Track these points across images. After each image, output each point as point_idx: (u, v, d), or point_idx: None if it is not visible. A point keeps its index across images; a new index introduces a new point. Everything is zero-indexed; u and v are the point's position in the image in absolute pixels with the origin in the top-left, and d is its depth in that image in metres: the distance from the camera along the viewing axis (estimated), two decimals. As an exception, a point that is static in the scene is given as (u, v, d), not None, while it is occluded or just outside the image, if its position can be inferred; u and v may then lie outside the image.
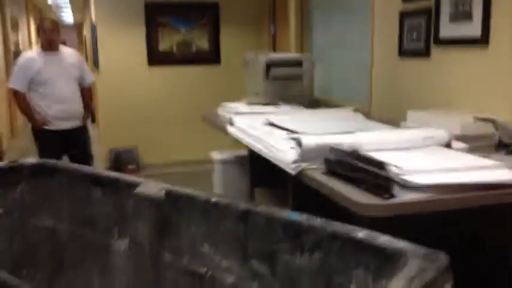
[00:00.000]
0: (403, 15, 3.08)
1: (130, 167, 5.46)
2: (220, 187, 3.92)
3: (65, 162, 1.44)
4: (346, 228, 0.98)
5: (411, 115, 2.54)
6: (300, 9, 4.84)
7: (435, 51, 2.82)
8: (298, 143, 1.95)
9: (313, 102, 4.20)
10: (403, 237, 1.82)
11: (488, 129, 2.15)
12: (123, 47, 5.40)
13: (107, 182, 1.40)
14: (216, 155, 3.90)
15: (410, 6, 3.01)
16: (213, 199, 1.18)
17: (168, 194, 1.25)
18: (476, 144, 2.15)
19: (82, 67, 4.29)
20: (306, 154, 1.95)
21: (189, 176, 5.22)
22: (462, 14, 2.58)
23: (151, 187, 1.28)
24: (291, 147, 2.07)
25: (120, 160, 5.46)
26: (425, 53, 2.88)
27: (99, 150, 6.18)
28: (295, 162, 1.96)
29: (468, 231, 1.84)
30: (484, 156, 1.93)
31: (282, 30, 5.40)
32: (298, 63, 4.11)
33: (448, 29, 2.69)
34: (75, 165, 1.39)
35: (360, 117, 2.96)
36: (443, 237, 1.86)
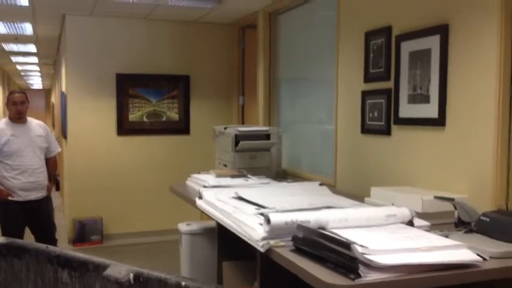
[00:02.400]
0: (365, 94, 3.25)
1: (93, 238, 5.34)
2: (187, 260, 3.86)
3: (32, 242, 1.43)
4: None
5: (374, 191, 2.63)
6: (268, 82, 5.03)
7: (395, 130, 2.97)
8: (267, 220, 1.99)
9: (280, 174, 4.29)
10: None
11: (449, 207, 2.24)
12: (93, 116, 5.44)
13: (75, 264, 1.38)
14: (183, 227, 3.87)
15: (372, 86, 3.19)
16: (183, 283, 1.18)
17: (137, 277, 1.25)
18: (437, 221, 2.24)
19: (49, 138, 4.32)
20: (275, 231, 1.98)
21: (156, 247, 5.15)
22: (420, 96, 2.75)
23: (119, 270, 1.28)
24: (259, 223, 2.11)
25: (83, 231, 5.34)
26: (386, 131, 3.02)
27: (63, 220, 6.05)
28: (263, 239, 1.99)
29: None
30: (445, 235, 2.01)
31: (250, 102, 5.56)
32: (266, 136, 4.23)
33: (407, 109, 2.85)
34: (43, 246, 1.37)
35: (326, 191, 3.04)
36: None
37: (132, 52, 5.52)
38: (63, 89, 5.98)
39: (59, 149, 4.47)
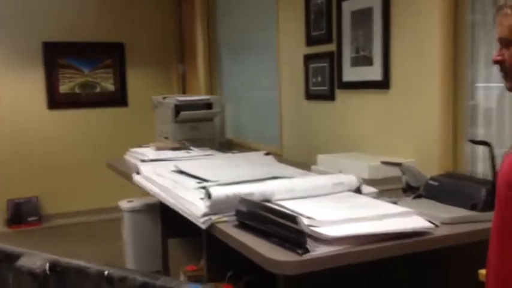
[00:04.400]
0: (308, 58, 3.13)
1: (31, 219, 5.03)
2: (130, 238, 3.68)
3: None
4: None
5: (321, 159, 2.54)
6: (208, 49, 4.82)
7: (340, 94, 2.88)
8: (208, 194, 1.84)
9: (224, 145, 4.15)
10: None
11: (396, 172, 2.18)
12: (20, 90, 5.03)
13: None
14: (124, 204, 3.68)
15: (314, 49, 3.07)
16: (106, 272, 1.02)
17: (53, 268, 1.08)
18: (385, 187, 2.17)
19: None
20: (216, 206, 1.84)
21: (98, 227, 4.91)
22: (363, 59, 2.65)
23: (33, 259, 1.10)
24: (200, 198, 1.97)
25: (19, 212, 5.01)
26: (330, 96, 2.92)
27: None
28: (205, 215, 1.85)
29: (390, 281, 1.80)
30: (394, 201, 1.94)
31: (191, 71, 5.34)
32: (207, 105, 4.05)
33: (350, 73, 2.76)
34: None
35: (271, 160, 2.93)
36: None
37: (59, 18, 5.10)
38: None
39: None
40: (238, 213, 1.80)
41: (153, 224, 3.48)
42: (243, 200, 1.80)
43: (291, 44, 3.32)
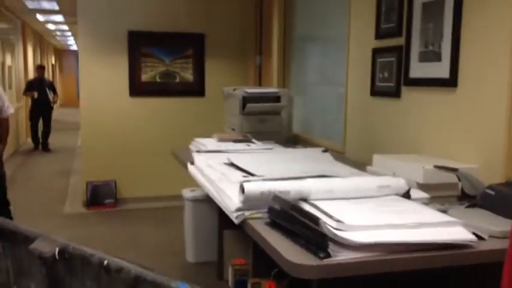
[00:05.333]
0: (376, 52, 2.98)
1: (107, 201, 5.30)
2: (190, 226, 3.75)
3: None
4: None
5: (376, 159, 2.40)
6: (282, 42, 4.76)
7: (405, 91, 2.70)
8: (242, 189, 1.80)
9: (291, 139, 4.08)
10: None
11: (453, 178, 2.00)
12: (105, 76, 5.31)
13: (5, 234, 1.25)
14: (187, 193, 3.75)
15: (383, 43, 2.91)
16: (105, 262, 1.03)
17: (62, 253, 1.10)
18: (438, 193, 2.00)
19: (1, 98, 4.22)
20: (250, 202, 1.80)
21: (167, 212, 5.07)
22: (431, 54, 2.46)
23: (45, 244, 1.13)
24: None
25: (97, 194, 5.30)
26: (395, 93, 2.76)
27: (77, 183, 6.05)
28: (238, 210, 1.81)
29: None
30: (444, 209, 1.78)
31: (267, 63, 5.31)
32: (275, 98, 4.00)
33: (417, 68, 2.58)
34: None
35: (328, 158, 2.82)
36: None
37: (145, 8, 5.30)
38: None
39: (12, 110, 4.37)
40: (271, 210, 1.74)
41: (212, 214, 3.52)
42: (275, 197, 1.74)
43: (360, 37, 3.18)
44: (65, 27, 13.27)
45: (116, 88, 5.34)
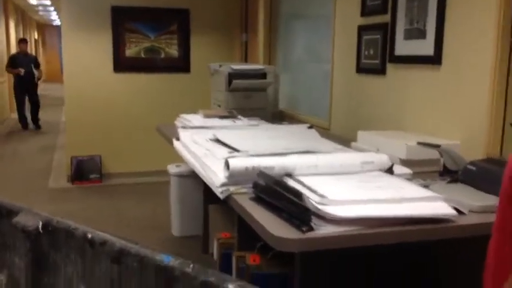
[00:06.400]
0: (361, 30, 2.98)
1: (92, 176, 5.28)
2: (175, 201, 3.77)
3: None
4: (219, 278, 0.84)
5: (361, 135, 2.43)
6: (268, 19, 4.73)
7: (391, 69, 2.72)
8: (227, 165, 1.81)
9: (276, 116, 4.09)
10: (331, 271, 1.70)
11: (436, 154, 2.03)
12: (89, 52, 5.23)
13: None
14: (172, 168, 3.75)
15: (368, 20, 2.91)
16: (89, 235, 1.03)
17: (45, 227, 1.11)
18: (421, 169, 2.04)
19: None
20: (235, 177, 1.81)
21: (152, 187, 5.08)
22: (416, 31, 2.47)
23: (29, 217, 1.13)
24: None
25: (82, 169, 5.28)
26: (381, 70, 2.77)
27: (62, 158, 6.01)
28: (223, 185, 1.82)
29: (397, 266, 1.71)
30: (426, 184, 1.81)
31: (253, 40, 5.28)
32: (261, 75, 4.00)
33: (403, 46, 2.59)
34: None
35: (313, 134, 2.84)
36: (372, 273, 1.74)
37: (128, -17, 5.22)
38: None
39: None
40: (256, 185, 1.75)
41: (197, 189, 3.53)
42: (260, 173, 1.76)
43: (346, 14, 3.17)
44: (48, 2, 13.01)
45: (100, 64, 5.27)
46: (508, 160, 1.06)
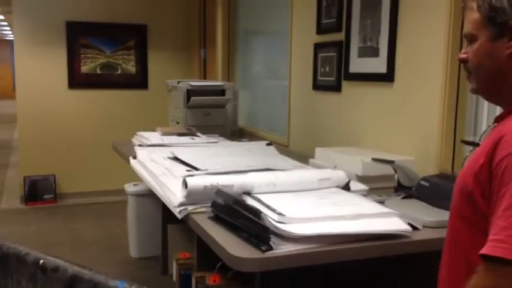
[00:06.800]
0: (317, 47, 3.03)
1: (46, 196, 5.12)
2: (133, 221, 3.69)
3: None
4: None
5: (319, 152, 2.46)
6: (227, 35, 4.75)
7: (346, 86, 2.77)
8: (185, 184, 1.80)
9: (236, 133, 4.09)
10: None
11: (389, 170, 2.07)
12: (42, 68, 5.10)
13: None
14: (129, 187, 3.69)
15: (324, 38, 2.96)
16: (41, 261, 1.00)
17: (-4, 253, 1.06)
18: (376, 185, 2.07)
19: None
20: (193, 196, 1.79)
21: (109, 207, 4.97)
22: (370, 49, 2.54)
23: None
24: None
25: (35, 189, 5.11)
26: (336, 87, 2.82)
27: (14, 177, 5.81)
28: (181, 205, 1.80)
29: (356, 281, 1.73)
30: (381, 200, 1.85)
31: (212, 56, 5.29)
32: (220, 92, 4.00)
33: (357, 63, 2.65)
34: None
35: (272, 151, 2.86)
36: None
37: (83, -1, 5.15)
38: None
39: None
40: (214, 204, 1.74)
41: (155, 208, 3.47)
42: (219, 191, 1.75)
43: (302, 32, 3.22)
44: (0, 16, 12.64)
45: (55, 80, 5.15)
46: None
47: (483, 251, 0.91)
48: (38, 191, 5.11)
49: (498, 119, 1.08)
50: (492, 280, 0.89)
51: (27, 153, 5.12)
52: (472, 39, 1.05)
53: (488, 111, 2.06)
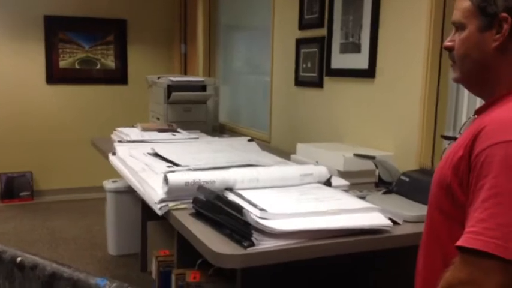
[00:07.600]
0: (299, 43, 3.02)
1: (23, 194, 5.03)
2: (112, 218, 3.65)
3: None
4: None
5: (300, 147, 2.45)
6: (208, 30, 4.72)
7: (328, 82, 2.77)
8: (165, 180, 1.77)
9: (217, 129, 4.06)
10: (273, 285, 1.69)
11: (370, 165, 2.08)
12: (20, 62, 4.99)
13: None
14: (108, 184, 3.64)
15: (306, 33, 2.96)
16: (18, 259, 0.97)
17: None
18: (357, 180, 2.08)
19: None
20: (174, 192, 1.77)
21: (87, 204, 4.90)
22: (352, 45, 2.54)
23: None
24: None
25: (12, 186, 5.01)
26: (318, 83, 2.82)
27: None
28: (162, 201, 1.78)
29: (338, 277, 1.73)
30: (363, 195, 1.85)
31: (192, 51, 5.24)
32: (201, 87, 3.96)
33: (339, 59, 2.65)
34: None
35: (253, 147, 2.84)
36: (313, 283, 1.75)
37: (62, -8, 5.05)
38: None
39: None
40: (196, 201, 1.73)
41: (135, 205, 3.44)
42: (200, 187, 1.73)
43: (284, 28, 3.21)
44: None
45: (32, 75, 5.05)
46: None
47: (459, 242, 0.91)
48: (14, 188, 5.01)
49: (479, 111, 1.08)
50: (468, 272, 0.89)
51: (4, 150, 5.01)
52: (460, 27, 1.04)
53: (468, 106, 2.08)
